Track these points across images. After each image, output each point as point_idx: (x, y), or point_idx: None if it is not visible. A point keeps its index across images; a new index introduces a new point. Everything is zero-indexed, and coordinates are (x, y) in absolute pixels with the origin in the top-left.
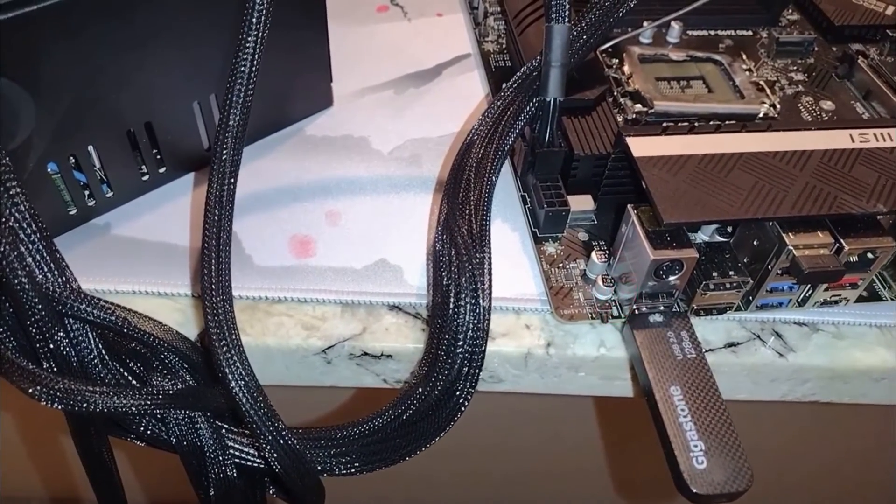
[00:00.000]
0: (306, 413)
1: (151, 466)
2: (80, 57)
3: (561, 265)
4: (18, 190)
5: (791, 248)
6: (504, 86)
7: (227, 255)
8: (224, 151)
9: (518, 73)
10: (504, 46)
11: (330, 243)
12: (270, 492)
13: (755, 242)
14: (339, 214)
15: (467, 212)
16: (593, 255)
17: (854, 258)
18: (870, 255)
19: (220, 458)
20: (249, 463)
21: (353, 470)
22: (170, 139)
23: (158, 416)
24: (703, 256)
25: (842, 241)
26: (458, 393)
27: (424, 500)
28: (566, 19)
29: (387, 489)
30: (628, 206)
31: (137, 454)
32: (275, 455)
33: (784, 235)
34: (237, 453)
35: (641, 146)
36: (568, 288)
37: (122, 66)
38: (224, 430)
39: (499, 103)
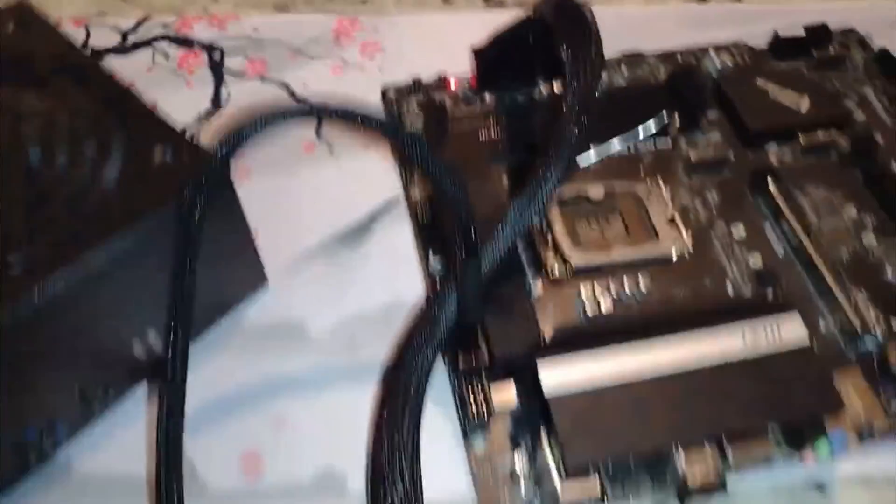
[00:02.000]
0: None
1: None
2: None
3: (488, 462)
4: None
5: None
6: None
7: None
8: (169, 394)
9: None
10: (430, 193)
11: (278, 455)
12: None
13: None
14: (285, 420)
15: (400, 433)
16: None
17: None
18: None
19: None
20: None
21: None
22: (112, 374)
23: None
24: None
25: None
26: None
27: None
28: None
29: None
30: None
31: None
32: None
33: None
34: None
35: (552, 378)
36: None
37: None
38: None
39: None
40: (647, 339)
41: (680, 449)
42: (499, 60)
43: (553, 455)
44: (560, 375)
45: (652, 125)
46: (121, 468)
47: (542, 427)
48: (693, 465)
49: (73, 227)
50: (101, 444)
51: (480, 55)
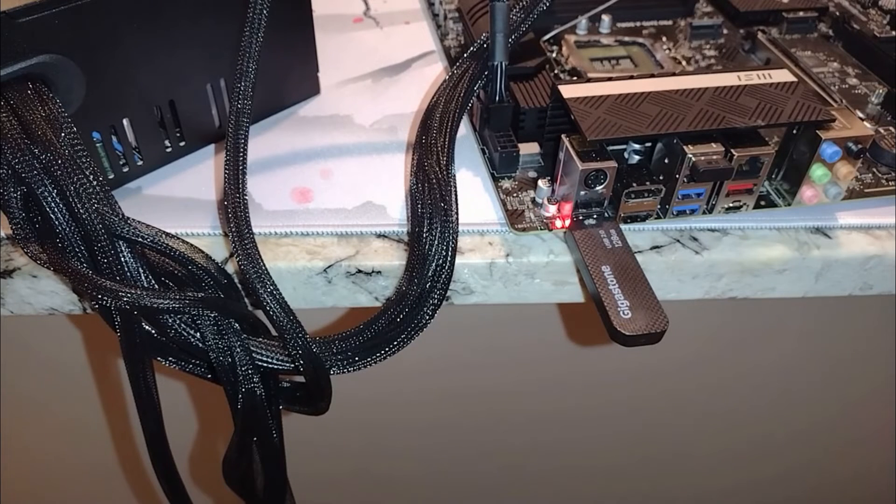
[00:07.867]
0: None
1: None
2: (119, 42)
3: (515, 195)
4: (81, 147)
5: (691, 155)
6: (461, 58)
7: (244, 195)
8: (239, 114)
9: (472, 47)
10: (462, 42)
11: (325, 192)
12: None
13: (666, 161)
14: (331, 171)
15: (435, 154)
16: (539, 182)
17: (745, 165)
18: (758, 163)
19: (246, 361)
20: (271, 365)
21: (354, 367)
22: (188, 116)
23: (191, 318)
24: (625, 173)
25: (732, 150)
26: (434, 293)
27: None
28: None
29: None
30: (562, 135)
31: None
32: (299, 353)
33: (685, 147)
34: (258, 356)
35: (571, 91)
36: (521, 210)
37: (150, 52)
38: (247, 338)
39: (457, 71)
40: (655, 78)
41: (689, 144)
42: None
43: (574, 145)
44: (577, 90)
45: None
46: (186, 194)
47: (559, 155)
48: (700, 155)
49: None
50: (169, 178)
51: None
